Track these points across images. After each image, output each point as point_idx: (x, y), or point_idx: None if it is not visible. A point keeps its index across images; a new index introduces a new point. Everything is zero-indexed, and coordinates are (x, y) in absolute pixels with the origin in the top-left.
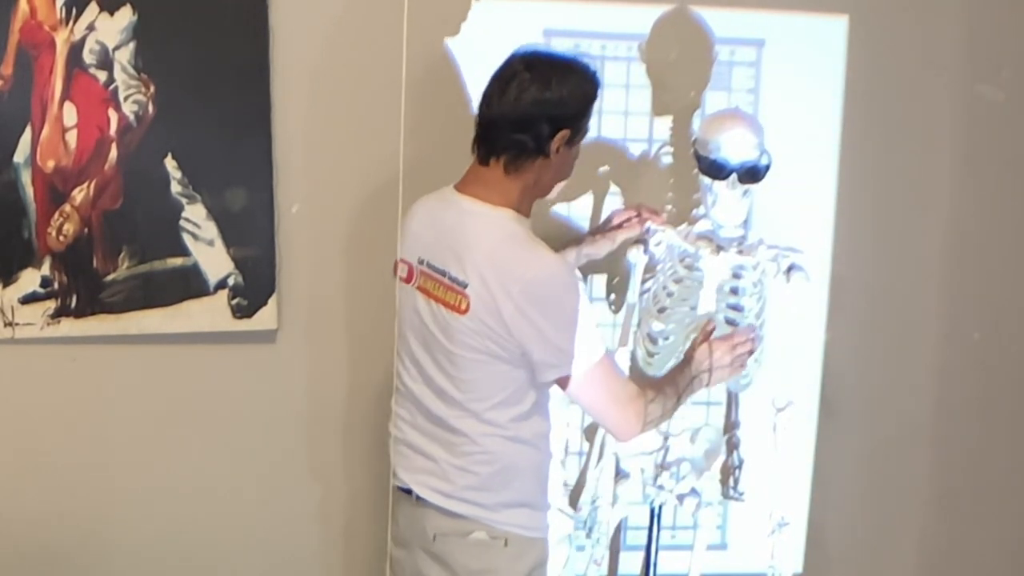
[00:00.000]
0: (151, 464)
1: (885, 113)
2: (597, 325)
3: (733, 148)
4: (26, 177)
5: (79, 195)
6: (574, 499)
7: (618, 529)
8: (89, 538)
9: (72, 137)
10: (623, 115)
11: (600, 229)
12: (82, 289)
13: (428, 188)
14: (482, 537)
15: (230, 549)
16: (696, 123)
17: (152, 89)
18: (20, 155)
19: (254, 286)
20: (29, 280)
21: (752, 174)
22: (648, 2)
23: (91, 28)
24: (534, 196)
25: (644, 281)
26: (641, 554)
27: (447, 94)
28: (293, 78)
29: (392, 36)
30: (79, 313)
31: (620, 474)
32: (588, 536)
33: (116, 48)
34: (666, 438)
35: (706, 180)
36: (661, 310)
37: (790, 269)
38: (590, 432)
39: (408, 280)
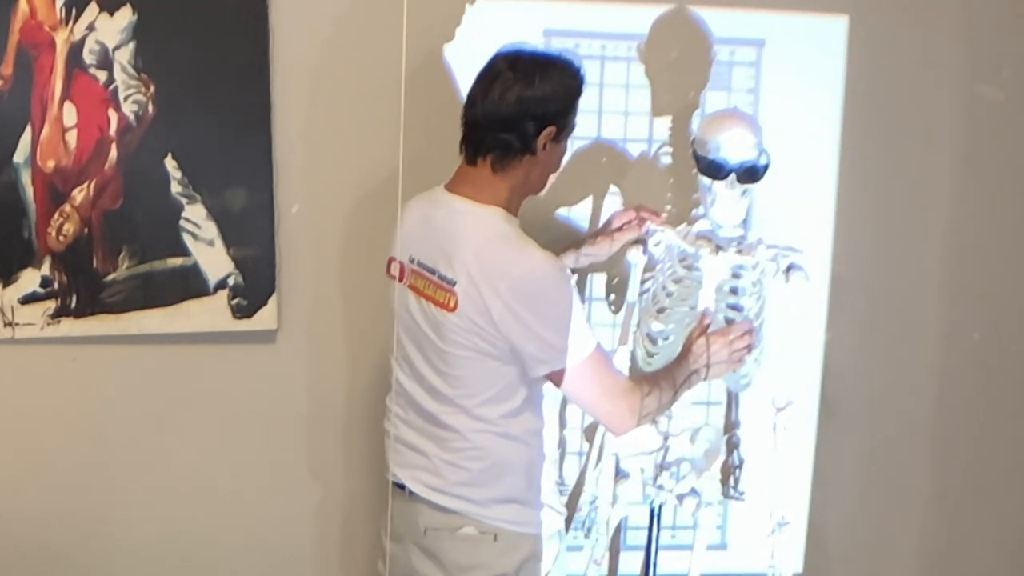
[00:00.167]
0: (151, 464)
1: (885, 113)
2: (587, 321)
3: (732, 148)
4: (26, 177)
5: (79, 195)
6: (574, 499)
7: (618, 529)
8: (89, 538)
9: (72, 137)
10: (623, 115)
11: (600, 231)
12: (82, 289)
13: (428, 188)
14: (471, 532)
15: (230, 549)
16: (695, 123)
17: (152, 89)
18: (20, 155)
19: (254, 286)
20: (29, 280)
21: (751, 174)
22: (648, 2)
23: (91, 28)
24: (524, 194)
25: (643, 281)
26: (641, 554)
27: (447, 94)
28: (293, 78)
29: (392, 36)
30: (79, 313)
31: (620, 474)
32: (587, 536)
33: (116, 48)
34: (666, 438)
35: (705, 180)
36: (660, 310)
37: (789, 268)
38: (590, 432)
39: (400, 279)
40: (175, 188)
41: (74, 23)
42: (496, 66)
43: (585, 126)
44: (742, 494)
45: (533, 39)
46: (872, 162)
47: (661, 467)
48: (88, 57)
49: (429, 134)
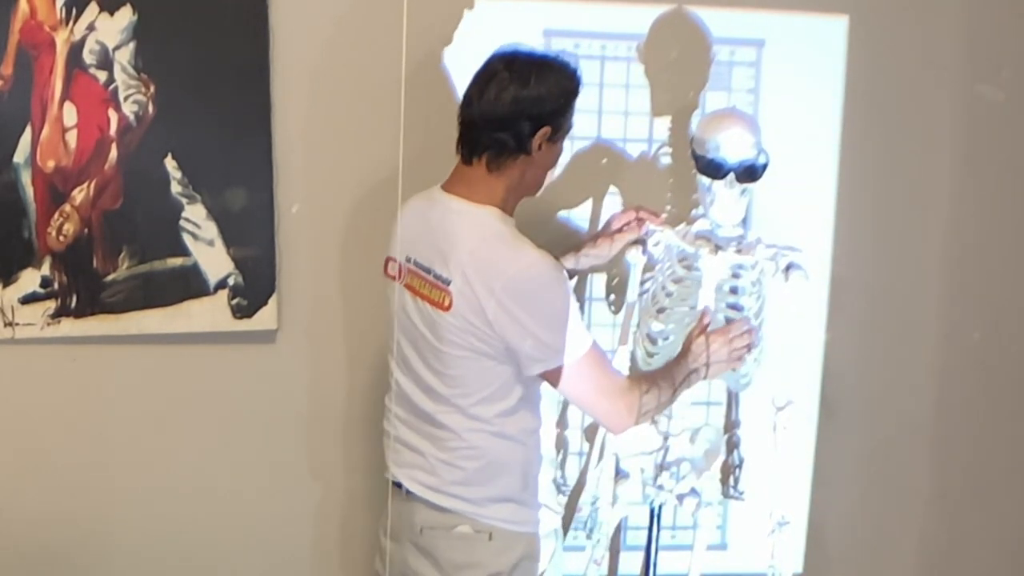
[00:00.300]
0: (151, 464)
1: (885, 113)
2: (585, 320)
3: (730, 147)
4: (26, 177)
5: (79, 195)
6: (573, 499)
7: (618, 529)
8: (89, 538)
9: (72, 137)
10: (623, 115)
11: (600, 233)
12: (82, 289)
13: (427, 188)
14: (466, 531)
15: (230, 549)
16: (695, 123)
17: (152, 89)
18: (20, 155)
19: (254, 286)
20: (29, 280)
21: (750, 173)
22: (648, 2)
23: (91, 28)
24: (520, 194)
25: (643, 281)
26: (641, 554)
27: (447, 94)
28: (293, 78)
29: (392, 36)
30: (79, 313)
31: (620, 474)
32: (589, 537)
33: (116, 48)
34: (666, 438)
35: (704, 180)
36: (660, 310)
37: (788, 268)
38: (590, 432)
39: (397, 278)
40: (175, 188)
41: (74, 23)
42: (492, 66)
43: (585, 126)
44: (742, 494)
45: (533, 39)
46: (872, 162)
47: (661, 467)
48: (88, 57)
49: (429, 134)
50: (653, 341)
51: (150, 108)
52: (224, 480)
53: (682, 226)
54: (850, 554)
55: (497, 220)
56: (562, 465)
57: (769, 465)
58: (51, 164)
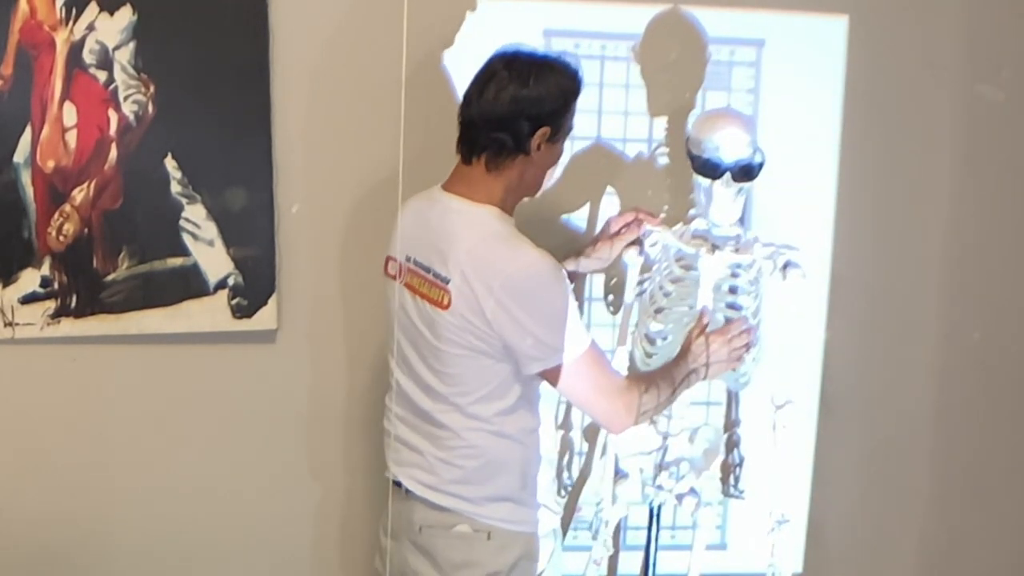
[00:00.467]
0: (151, 464)
1: (885, 113)
2: (584, 320)
3: (726, 147)
4: (26, 177)
5: (79, 195)
6: (573, 499)
7: (617, 529)
8: (89, 538)
9: (72, 137)
10: (623, 115)
11: (598, 237)
12: (82, 289)
13: (427, 188)
14: (465, 530)
15: (230, 549)
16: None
17: (152, 89)
18: (20, 155)
19: (254, 286)
20: (29, 280)
21: (746, 172)
22: (648, 2)
23: (91, 28)
24: (519, 194)
25: (640, 282)
26: (641, 554)
27: (447, 95)
28: (293, 78)
29: (392, 36)
30: (79, 313)
31: (619, 474)
32: (594, 538)
33: (116, 48)
34: (665, 438)
35: (700, 179)
36: (658, 310)
37: (786, 266)
38: (590, 432)
39: (396, 277)
40: (175, 188)
41: (74, 23)
42: (492, 66)
43: (585, 126)
44: (742, 492)
45: (533, 39)
46: (872, 162)
47: (660, 467)
48: (88, 57)
49: (429, 134)
50: (652, 341)
51: (150, 108)
52: (224, 480)
53: (679, 226)
54: (850, 553)
55: (496, 219)
56: (568, 466)
57: (769, 464)
58: (51, 164)
